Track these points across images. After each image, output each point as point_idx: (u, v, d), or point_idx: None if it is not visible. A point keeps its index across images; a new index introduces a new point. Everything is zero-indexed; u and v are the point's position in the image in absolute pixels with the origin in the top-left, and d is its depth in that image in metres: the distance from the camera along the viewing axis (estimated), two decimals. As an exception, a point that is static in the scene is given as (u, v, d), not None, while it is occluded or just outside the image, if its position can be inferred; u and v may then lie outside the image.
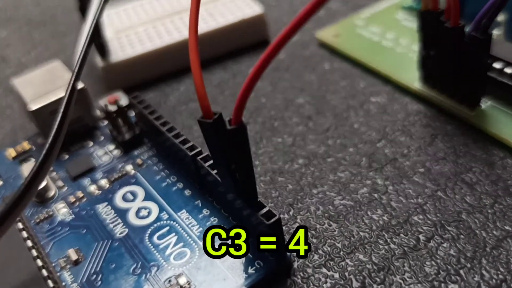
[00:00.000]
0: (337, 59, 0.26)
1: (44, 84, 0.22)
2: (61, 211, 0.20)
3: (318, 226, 0.18)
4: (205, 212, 0.18)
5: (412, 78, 0.23)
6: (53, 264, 0.18)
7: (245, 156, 0.15)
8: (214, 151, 0.16)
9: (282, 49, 0.13)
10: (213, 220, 0.18)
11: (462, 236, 0.17)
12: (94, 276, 0.17)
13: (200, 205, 0.19)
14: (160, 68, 0.27)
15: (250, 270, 0.16)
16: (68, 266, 0.17)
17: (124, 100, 0.21)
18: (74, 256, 0.18)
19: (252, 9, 0.27)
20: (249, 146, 0.15)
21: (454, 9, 0.19)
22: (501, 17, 0.23)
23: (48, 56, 0.30)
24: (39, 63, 0.29)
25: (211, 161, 0.17)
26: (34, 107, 0.21)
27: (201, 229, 0.18)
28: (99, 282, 0.17)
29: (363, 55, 0.25)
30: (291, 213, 0.19)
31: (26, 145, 0.23)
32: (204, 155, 0.18)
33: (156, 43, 0.26)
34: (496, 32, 0.23)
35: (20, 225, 0.19)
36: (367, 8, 0.28)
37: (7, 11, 0.36)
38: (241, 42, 0.28)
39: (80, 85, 0.22)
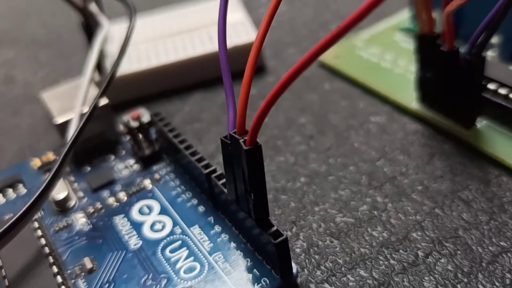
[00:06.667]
0: (337, 80, 0.27)
1: (71, 99, 0.23)
2: (80, 221, 0.20)
3: (320, 242, 0.19)
4: (217, 228, 0.19)
5: (410, 98, 0.24)
6: (68, 271, 0.18)
7: (259, 176, 0.16)
8: (232, 169, 0.16)
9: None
10: (224, 237, 0.19)
11: (459, 252, 0.18)
12: (107, 285, 0.18)
13: (212, 221, 0.19)
14: (161, 86, 0.28)
15: (256, 287, 0.17)
16: (83, 274, 0.18)
17: (146, 117, 0.22)
18: (89, 265, 0.18)
19: (249, 36, 0.28)
20: (263, 165, 0.16)
21: (448, 34, 0.20)
22: (495, 39, 0.24)
23: (55, 76, 0.31)
24: (46, 84, 0.30)
25: (224, 180, 0.18)
26: (60, 120, 0.22)
27: (212, 244, 0.18)
28: (111, 292, 0.18)
29: (363, 76, 0.26)
30: (293, 230, 0.19)
31: (51, 156, 0.24)
32: (218, 173, 0.19)
33: (159, 61, 0.27)
34: (490, 54, 0.24)
35: (39, 233, 0.20)
36: (366, 29, 0.29)
37: (13, 32, 0.37)
38: (238, 66, 0.28)
39: (104, 101, 0.23)
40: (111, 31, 0.29)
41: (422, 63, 0.22)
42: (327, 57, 0.28)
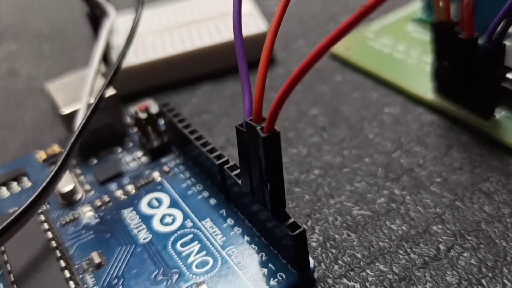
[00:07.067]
0: (348, 71, 0.26)
1: (77, 90, 0.22)
2: (87, 214, 0.20)
3: (337, 236, 0.18)
4: (229, 221, 0.18)
5: (424, 89, 0.23)
6: (76, 266, 0.18)
7: (277, 165, 0.15)
8: (247, 158, 0.16)
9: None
10: (237, 230, 0.18)
11: (482, 246, 0.17)
12: (116, 280, 0.17)
13: (224, 214, 0.19)
14: (168, 78, 0.27)
15: (272, 282, 0.16)
16: (91, 269, 0.18)
17: (154, 108, 0.22)
18: (97, 259, 0.18)
19: (257, 27, 0.27)
20: (281, 154, 0.15)
21: (467, 20, 0.20)
22: (512, 29, 0.23)
23: (58, 69, 0.30)
24: (50, 77, 0.29)
25: (238, 171, 0.17)
26: (66, 111, 0.21)
27: (224, 238, 0.18)
28: (120, 287, 0.17)
29: (375, 67, 0.25)
30: (309, 223, 0.19)
31: (56, 149, 0.23)
32: (230, 164, 0.18)
33: (166, 52, 0.27)
34: (508, 43, 0.23)
35: (45, 226, 0.19)
36: (377, 21, 0.29)
37: (16, 26, 0.37)
38: (248, 56, 0.28)
39: (111, 92, 0.22)
40: (118, 23, 0.28)
41: (439, 52, 0.22)
42: (338, 48, 0.27)
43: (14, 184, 0.22)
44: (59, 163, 0.18)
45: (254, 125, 0.15)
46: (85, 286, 0.17)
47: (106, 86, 0.20)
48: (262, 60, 0.15)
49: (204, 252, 0.17)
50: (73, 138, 0.18)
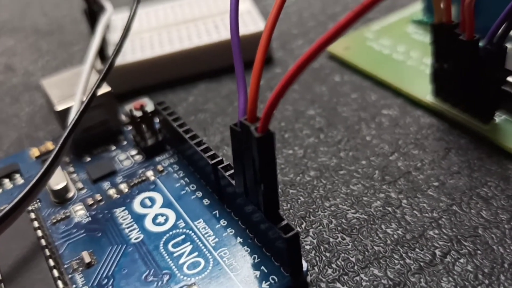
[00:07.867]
0: (347, 72, 0.26)
1: (71, 86, 0.22)
2: (78, 213, 0.19)
3: (331, 239, 0.18)
4: (222, 223, 0.18)
5: (424, 91, 0.23)
6: (65, 266, 0.17)
7: (271, 166, 0.15)
8: (241, 159, 0.16)
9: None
10: (230, 232, 0.18)
11: (479, 252, 0.17)
12: (106, 280, 0.17)
13: (217, 215, 0.18)
14: (165, 76, 0.27)
15: (264, 285, 0.16)
16: (80, 268, 0.17)
17: (149, 106, 0.21)
18: (87, 259, 0.17)
19: (256, 26, 0.27)
20: (275, 155, 0.15)
21: (468, 22, 0.19)
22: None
23: (55, 65, 0.30)
24: (46, 73, 0.29)
25: (232, 171, 0.17)
26: (60, 107, 0.21)
27: (217, 239, 0.17)
28: (110, 287, 0.16)
29: (374, 68, 0.25)
30: (303, 226, 0.18)
31: (50, 146, 0.23)
32: (225, 164, 0.18)
33: (163, 50, 0.26)
34: (510, 46, 0.23)
35: (36, 224, 0.19)
36: (377, 21, 0.28)
37: (14, 21, 0.36)
38: (245, 56, 0.27)
39: (106, 89, 0.22)
40: (116, 20, 0.28)
41: (439, 53, 0.21)
42: (337, 48, 0.27)
43: (6, 181, 0.21)
44: (50, 159, 0.17)
45: (248, 125, 0.14)
46: (74, 286, 0.17)
47: (99, 83, 0.20)
48: (257, 58, 0.14)
49: (196, 253, 0.17)
50: (65, 134, 0.18)
